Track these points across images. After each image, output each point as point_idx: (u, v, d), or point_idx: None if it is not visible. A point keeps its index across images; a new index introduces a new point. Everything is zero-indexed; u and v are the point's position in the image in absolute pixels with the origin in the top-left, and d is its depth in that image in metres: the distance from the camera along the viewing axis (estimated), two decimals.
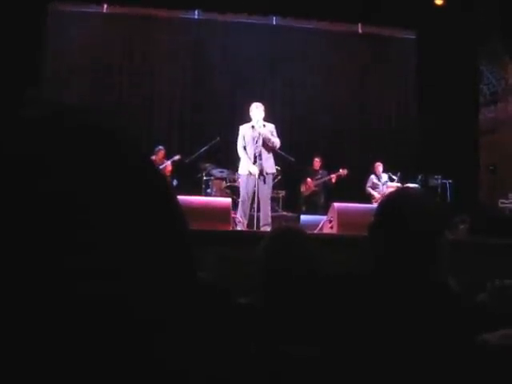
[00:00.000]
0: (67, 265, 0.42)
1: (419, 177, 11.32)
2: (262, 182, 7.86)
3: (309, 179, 11.54)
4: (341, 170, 11.25)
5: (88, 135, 0.47)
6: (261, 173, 7.85)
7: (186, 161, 10.35)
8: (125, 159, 0.48)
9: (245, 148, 8.00)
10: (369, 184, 11.38)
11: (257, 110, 8.01)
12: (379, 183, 11.28)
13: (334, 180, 11.32)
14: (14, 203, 0.42)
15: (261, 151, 7.87)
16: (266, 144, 7.92)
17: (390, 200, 1.86)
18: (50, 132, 0.45)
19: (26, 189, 0.42)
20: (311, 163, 11.64)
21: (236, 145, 8.12)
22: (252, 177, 7.88)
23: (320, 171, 11.60)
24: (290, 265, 2.13)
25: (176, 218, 0.52)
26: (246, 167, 7.95)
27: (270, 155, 8.04)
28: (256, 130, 7.90)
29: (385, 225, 1.77)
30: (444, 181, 11.27)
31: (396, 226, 1.74)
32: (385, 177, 11.30)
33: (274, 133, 8.04)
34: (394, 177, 11.20)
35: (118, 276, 0.44)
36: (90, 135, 0.47)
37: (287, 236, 2.25)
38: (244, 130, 8.06)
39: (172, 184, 9.89)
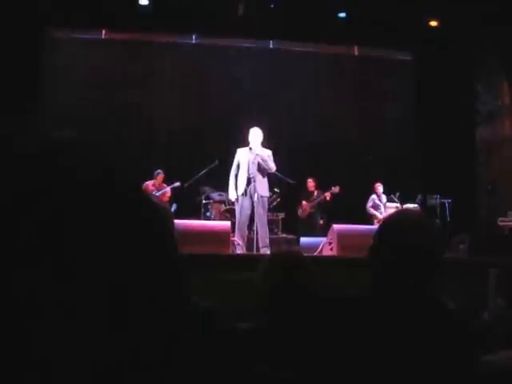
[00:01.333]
0: (68, 289, 0.43)
1: (418, 197, 11.32)
2: (257, 205, 7.93)
3: (304, 202, 11.51)
4: (333, 188, 11.22)
5: (84, 172, 0.48)
6: (252, 196, 7.97)
7: (186, 185, 10.36)
8: (120, 194, 0.49)
9: (237, 172, 8.09)
10: (370, 204, 11.35)
11: (255, 135, 8.12)
12: (380, 204, 11.27)
13: (329, 197, 11.28)
14: (13, 237, 0.43)
15: (255, 174, 7.96)
16: (262, 167, 8.01)
17: (389, 222, 1.87)
18: (47, 168, 0.46)
19: (24, 221, 0.43)
20: (305, 185, 11.61)
21: None
22: (246, 199, 7.97)
23: (315, 192, 11.58)
24: (290, 288, 2.13)
25: (169, 247, 0.53)
26: (240, 189, 8.03)
27: (265, 179, 8.12)
28: (253, 152, 7.99)
29: (385, 247, 1.78)
30: (443, 200, 11.28)
31: (395, 248, 1.75)
32: (384, 198, 11.30)
33: (271, 158, 8.14)
34: (395, 197, 11.20)
35: (111, 299, 0.45)
36: (87, 172, 0.48)
37: (286, 260, 2.25)
38: (241, 153, 8.20)
39: (170, 210, 9.91)
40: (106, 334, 0.46)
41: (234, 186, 8.14)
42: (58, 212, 0.45)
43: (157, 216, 0.54)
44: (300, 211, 11.57)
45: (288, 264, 2.22)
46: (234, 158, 8.32)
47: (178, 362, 0.52)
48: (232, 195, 8.18)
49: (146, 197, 0.54)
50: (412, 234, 1.73)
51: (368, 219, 11.10)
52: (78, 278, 0.45)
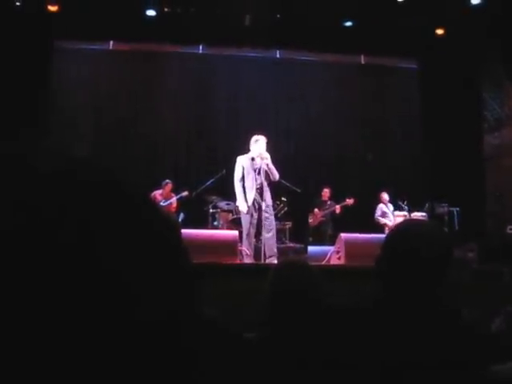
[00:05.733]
0: (87, 301, 0.45)
1: (426, 205, 11.29)
2: (264, 214, 7.91)
3: (316, 210, 11.56)
4: (347, 200, 11.25)
5: (96, 189, 0.49)
6: (259, 205, 7.96)
7: (193, 194, 10.38)
8: (131, 208, 0.50)
9: (243, 182, 8.05)
10: (378, 213, 11.33)
11: (259, 143, 8.05)
12: (388, 211, 11.25)
13: (338, 211, 11.34)
14: (32, 256, 0.44)
15: (262, 183, 7.93)
16: (268, 175, 7.98)
17: (396, 232, 1.87)
18: (63, 187, 0.47)
19: (43, 241, 0.44)
20: (320, 194, 11.66)
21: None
22: (254, 208, 7.95)
23: (328, 202, 11.61)
24: (295, 298, 2.13)
25: (179, 257, 0.54)
26: (249, 198, 8.00)
27: (269, 188, 8.08)
28: (257, 162, 7.95)
29: (392, 256, 1.77)
30: (451, 208, 11.22)
31: (403, 257, 1.74)
32: (391, 206, 11.29)
33: (271, 165, 8.08)
34: (403, 205, 11.18)
35: (122, 311, 0.47)
36: (99, 189, 0.49)
37: (292, 269, 2.25)
38: (242, 161, 8.11)
39: (178, 220, 9.91)
40: (114, 344, 0.47)
41: (243, 197, 8.04)
42: (77, 229, 0.47)
43: (171, 227, 0.55)
44: (312, 219, 11.59)
45: (294, 273, 2.22)
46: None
47: (186, 371, 0.53)
48: (243, 207, 8.04)
49: (158, 209, 0.55)
50: (419, 243, 1.73)
51: (376, 228, 11.07)
52: (93, 286, 0.47)
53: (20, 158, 0.49)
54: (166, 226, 0.53)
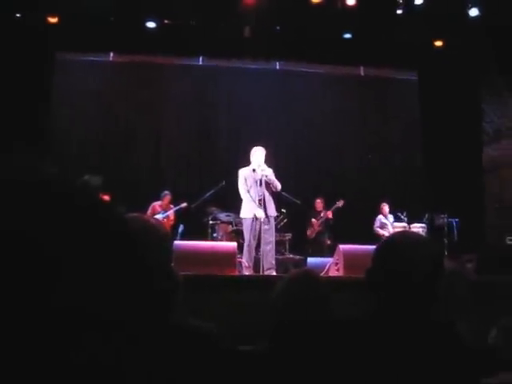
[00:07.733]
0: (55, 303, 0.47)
1: (425, 216, 11.29)
2: (265, 226, 7.90)
3: (313, 220, 11.55)
4: (337, 202, 11.27)
5: (65, 209, 0.50)
6: (265, 216, 7.92)
7: (192, 206, 10.36)
8: (100, 229, 0.52)
9: (248, 192, 8.07)
10: (377, 224, 11.37)
11: (257, 154, 8.10)
12: (387, 223, 11.27)
13: (330, 215, 11.34)
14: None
15: (264, 194, 7.94)
16: (269, 187, 8.00)
17: (385, 245, 1.87)
18: (28, 207, 0.49)
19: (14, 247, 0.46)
20: (313, 205, 11.65)
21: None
22: (257, 220, 7.93)
23: (322, 212, 11.61)
24: (303, 310, 2.13)
25: (151, 274, 0.56)
26: (251, 211, 7.99)
27: (271, 198, 8.09)
28: (258, 173, 7.97)
29: (381, 269, 1.78)
30: (450, 219, 11.22)
31: (393, 269, 1.75)
32: (391, 217, 11.30)
33: (273, 177, 8.11)
34: (402, 216, 11.17)
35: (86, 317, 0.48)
36: (67, 209, 0.51)
37: (304, 280, 2.24)
38: (244, 173, 8.15)
39: (169, 232, 9.88)
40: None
41: (255, 205, 7.96)
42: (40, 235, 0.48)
43: (137, 248, 0.57)
44: (310, 230, 11.58)
45: (305, 285, 2.22)
46: (238, 179, 8.26)
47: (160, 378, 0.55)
48: (260, 214, 7.92)
49: (128, 230, 0.56)
50: (407, 257, 1.74)
51: (376, 240, 11.07)
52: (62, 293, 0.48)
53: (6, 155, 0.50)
54: (135, 245, 0.54)
